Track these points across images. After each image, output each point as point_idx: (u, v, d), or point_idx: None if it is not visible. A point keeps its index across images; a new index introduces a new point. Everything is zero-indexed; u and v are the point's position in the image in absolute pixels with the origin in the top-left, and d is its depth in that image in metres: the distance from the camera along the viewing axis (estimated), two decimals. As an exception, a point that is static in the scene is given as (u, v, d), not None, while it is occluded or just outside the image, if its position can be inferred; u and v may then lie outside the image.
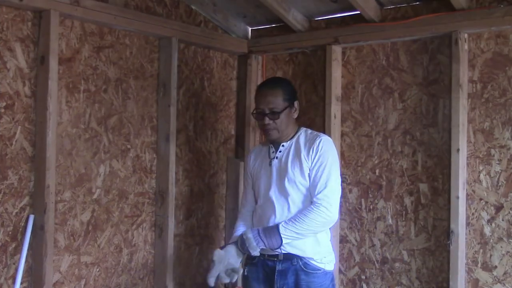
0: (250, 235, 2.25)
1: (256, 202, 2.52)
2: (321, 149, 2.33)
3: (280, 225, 2.24)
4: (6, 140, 2.43)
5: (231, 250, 2.27)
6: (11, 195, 2.44)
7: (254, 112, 2.46)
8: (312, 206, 2.27)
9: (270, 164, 2.44)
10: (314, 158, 2.33)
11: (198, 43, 3.27)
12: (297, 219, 2.25)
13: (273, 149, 2.46)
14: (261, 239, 2.24)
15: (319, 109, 3.29)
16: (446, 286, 2.77)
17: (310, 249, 2.32)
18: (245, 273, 2.49)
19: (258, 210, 2.47)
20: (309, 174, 2.33)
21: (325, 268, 2.35)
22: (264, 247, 2.25)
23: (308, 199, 2.33)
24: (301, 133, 2.44)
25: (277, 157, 2.43)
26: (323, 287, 2.34)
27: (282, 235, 2.22)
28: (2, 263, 2.42)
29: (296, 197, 2.34)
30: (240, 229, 2.46)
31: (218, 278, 2.25)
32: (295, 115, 2.46)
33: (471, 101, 2.75)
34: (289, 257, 2.33)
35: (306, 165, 2.34)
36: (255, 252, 2.24)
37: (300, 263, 2.31)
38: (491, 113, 2.70)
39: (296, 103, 2.45)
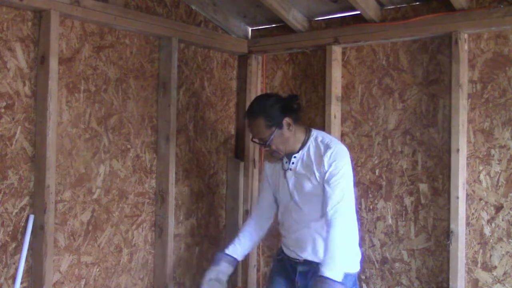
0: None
1: (277, 204, 2.55)
2: (331, 162, 2.27)
3: (324, 272, 2.10)
4: (6, 140, 2.43)
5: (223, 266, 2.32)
6: (11, 195, 2.44)
7: (252, 138, 2.46)
8: (328, 226, 2.21)
9: (285, 176, 2.42)
10: (326, 171, 2.27)
11: (198, 43, 3.27)
12: (326, 251, 2.17)
13: (286, 160, 2.41)
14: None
15: (319, 109, 3.29)
16: (446, 286, 2.77)
17: (319, 256, 2.31)
18: (271, 267, 2.57)
19: (282, 219, 2.51)
20: (322, 184, 2.30)
21: (346, 270, 2.29)
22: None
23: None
24: (311, 142, 2.37)
25: (290, 169, 2.39)
26: None
27: (332, 278, 2.08)
28: (2, 263, 2.42)
29: (314, 206, 2.33)
30: (241, 237, 2.50)
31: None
32: (292, 129, 2.35)
33: (471, 101, 2.75)
34: (309, 261, 2.36)
35: (318, 177, 2.30)
36: None
37: (320, 265, 2.27)
38: (491, 113, 2.70)
39: (286, 120, 2.33)
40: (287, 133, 2.35)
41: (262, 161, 3.55)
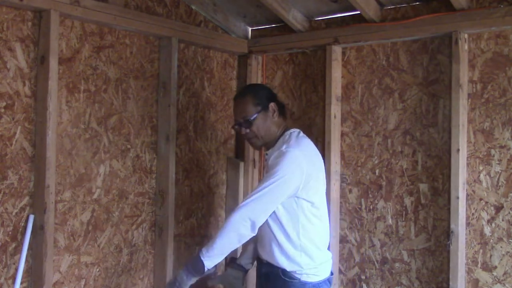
0: (181, 272, 2.22)
1: None
2: (273, 160, 2.24)
3: (203, 248, 2.21)
4: (6, 140, 2.43)
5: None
6: (11, 195, 2.44)
7: (234, 125, 2.43)
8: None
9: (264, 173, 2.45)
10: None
11: (198, 43, 3.27)
12: (216, 233, 2.23)
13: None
14: (190, 272, 2.20)
15: (319, 109, 3.29)
16: (446, 286, 2.77)
17: (281, 261, 2.30)
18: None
19: None
20: None
21: (301, 278, 2.29)
22: (194, 276, 2.21)
23: (285, 212, 2.28)
24: (280, 141, 2.36)
25: (264, 167, 2.42)
26: None
27: (202, 258, 2.17)
28: (2, 263, 2.42)
29: (275, 210, 2.28)
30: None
31: None
32: (275, 117, 2.39)
33: (471, 101, 2.75)
34: (270, 263, 2.34)
35: None
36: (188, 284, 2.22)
37: (279, 270, 2.31)
38: (491, 113, 2.70)
39: (272, 105, 2.38)
40: (271, 120, 2.37)
41: (262, 161, 3.55)
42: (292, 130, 2.41)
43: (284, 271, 2.30)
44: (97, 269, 2.81)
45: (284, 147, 2.27)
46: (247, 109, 2.36)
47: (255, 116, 2.35)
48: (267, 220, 2.27)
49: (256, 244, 2.44)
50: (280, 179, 2.19)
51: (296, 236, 2.28)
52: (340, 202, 3.18)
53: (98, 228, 2.80)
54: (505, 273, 2.64)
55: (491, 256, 2.68)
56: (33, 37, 2.50)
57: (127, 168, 2.95)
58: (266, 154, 2.40)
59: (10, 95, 2.43)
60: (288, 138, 2.34)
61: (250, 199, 2.20)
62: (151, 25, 2.93)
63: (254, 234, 2.22)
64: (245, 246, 2.49)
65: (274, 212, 2.26)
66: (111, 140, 2.86)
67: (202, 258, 2.18)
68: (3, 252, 2.42)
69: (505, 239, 2.64)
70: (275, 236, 2.29)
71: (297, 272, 2.29)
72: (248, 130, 2.37)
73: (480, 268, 2.71)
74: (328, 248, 2.45)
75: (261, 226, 2.25)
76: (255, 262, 2.50)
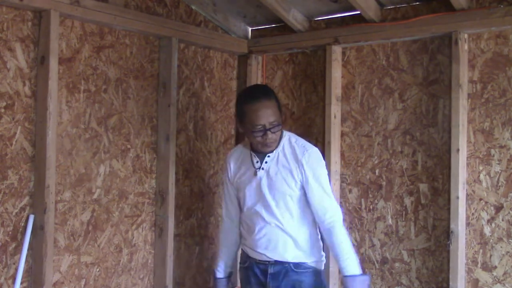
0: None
1: (241, 210, 2.47)
2: (314, 167, 2.29)
3: (354, 271, 2.25)
4: (6, 140, 2.43)
5: None
6: (11, 195, 2.44)
7: (254, 130, 2.25)
8: (331, 230, 2.29)
9: (256, 174, 2.35)
10: (306, 176, 2.28)
11: (198, 43, 3.27)
12: (343, 253, 2.27)
13: (257, 159, 2.36)
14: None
15: (319, 109, 3.29)
16: (446, 286, 2.77)
17: (297, 256, 2.33)
18: (240, 278, 2.57)
19: (246, 220, 2.44)
20: (301, 187, 2.31)
21: (316, 267, 2.36)
22: None
23: (299, 208, 2.33)
24: (284, 142, 2.34)
25: (263, 168, 2.33)
26: (312, 286, 2.34)
27: (361, 271, 2.28)
28: (2, 263, 2.42)
29: (287, 207, 2.32)
30: (222, 258, 2.55)
31: None
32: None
33: (471, 101, 2.75)
34: (280, 262, 2.34)
35: (297, 179, 2.29)
36: None
37: (291, 264, 2.32)
38: (491, 113, 2.70)
39: (283, 108, 2.44)
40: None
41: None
42: (288, 131, 2.44)
43: (296, 264, 2.32)
44: (97, 269, 2.81)
45: (308, 147, 2.33)
46: (277, 113, 2.27)
47: (282, 120, 2.33)
48: (279, 220, 2.32)
49: (256, 250, 2.39)
50: (328, 179, 2.37)
51: (308, 229, 2.36)
52: (340, 202, 3.18)
53: (98, 228, 2.80)
54: (505, 273, 2.64)
55: (491, 256, 2.68)
56: (33, 37, 2.50)
57: (127, 168, 2.95)
58: (268, 156, 2.35)
59: (10, 95, 2.43)
60: (296, 139, 2.37)
61: (335, 206, 2.35)
62: (151, 25, 2.94)
63: None
64: (222, 255, 2.56)
65: (290, 209, 2.32)
66: (111, 140, 2.86)
67: (361, 272, 2.28)
68: (3, 252, 2.42)
69: (505, 239, 2.64)
70: (289, 234, 2.32)
71: (313, 261, 2.35)
72: (274, 135, 2.28)
73: (480, 268, 2.71)
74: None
75: (270, 229, 2.33)
76: (253, 268, 2.44)
